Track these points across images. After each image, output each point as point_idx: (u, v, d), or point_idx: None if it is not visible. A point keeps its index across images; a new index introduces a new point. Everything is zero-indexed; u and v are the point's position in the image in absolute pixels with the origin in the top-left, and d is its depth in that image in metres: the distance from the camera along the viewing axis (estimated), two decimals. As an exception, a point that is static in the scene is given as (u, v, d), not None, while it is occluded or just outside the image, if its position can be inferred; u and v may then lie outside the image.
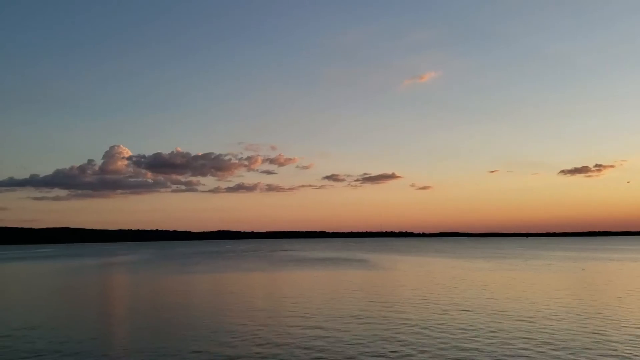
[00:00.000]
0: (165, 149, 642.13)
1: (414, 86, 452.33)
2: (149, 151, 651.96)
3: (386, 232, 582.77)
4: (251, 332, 24.70)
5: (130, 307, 35.83)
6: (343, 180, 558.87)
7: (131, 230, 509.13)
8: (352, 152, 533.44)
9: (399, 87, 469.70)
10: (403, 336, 23.19)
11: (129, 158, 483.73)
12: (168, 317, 29.92)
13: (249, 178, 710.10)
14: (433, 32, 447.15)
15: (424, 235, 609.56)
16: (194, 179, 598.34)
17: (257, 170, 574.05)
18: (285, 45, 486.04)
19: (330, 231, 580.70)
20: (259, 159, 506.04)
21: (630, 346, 20.73)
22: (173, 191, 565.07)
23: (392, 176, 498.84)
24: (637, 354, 19.54)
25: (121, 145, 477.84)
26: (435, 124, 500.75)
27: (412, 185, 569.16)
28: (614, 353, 19.61)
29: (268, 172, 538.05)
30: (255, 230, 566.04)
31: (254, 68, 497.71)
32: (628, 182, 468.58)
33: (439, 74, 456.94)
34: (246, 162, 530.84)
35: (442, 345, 21.20)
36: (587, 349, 20.30)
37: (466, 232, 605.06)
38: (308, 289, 45.51)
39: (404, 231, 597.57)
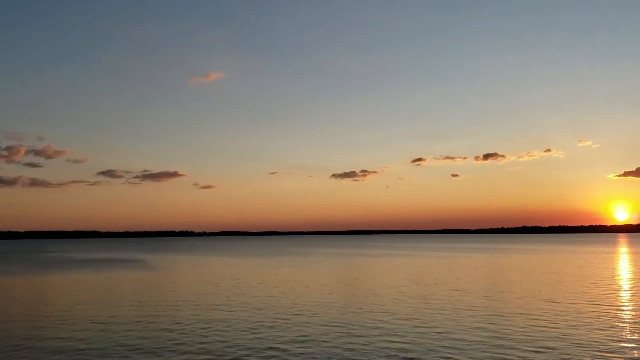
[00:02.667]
0: None
1: (200, 85, 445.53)
2: None
3: (166, 232, 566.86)
4: (10, 341, 22.06)
5: None
6: (121, 176, 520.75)
7: None
8: (132, 147, 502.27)
9: (184, 85, 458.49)
10: (172, 335, 23.19)
11: None
12: None
13: (8, 170, 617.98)
14: (223, 34, 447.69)
15: (205, 234, 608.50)
16: None
17: (19, 162, 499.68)
18: (57, 25, 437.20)
19: (104, 231, 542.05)
20: (22, 150, 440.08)
21: (369, 331, 23.97)
22: None
23: (174, 174, 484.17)
24: (370, 344, 22.66)
25: None
26: (220, 124, 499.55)
27: (195, 184, 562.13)
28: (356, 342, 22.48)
29: (32, 165, 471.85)
30: (13, 230, 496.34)
31: (19, 47, 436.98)
32: (387, 186, 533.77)
33: (225, 75, 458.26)
34: (5, 153, 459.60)
35: (205, 340, 21.83)
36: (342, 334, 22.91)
37: (247, 231, 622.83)
38: (75, 292, 42.12)
39: (185, 230, 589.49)
